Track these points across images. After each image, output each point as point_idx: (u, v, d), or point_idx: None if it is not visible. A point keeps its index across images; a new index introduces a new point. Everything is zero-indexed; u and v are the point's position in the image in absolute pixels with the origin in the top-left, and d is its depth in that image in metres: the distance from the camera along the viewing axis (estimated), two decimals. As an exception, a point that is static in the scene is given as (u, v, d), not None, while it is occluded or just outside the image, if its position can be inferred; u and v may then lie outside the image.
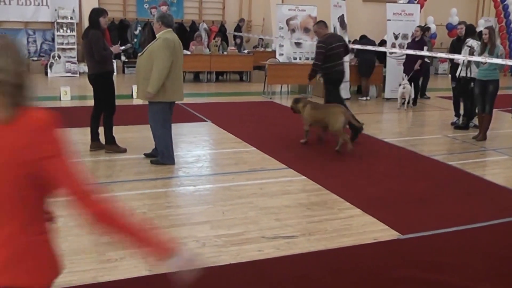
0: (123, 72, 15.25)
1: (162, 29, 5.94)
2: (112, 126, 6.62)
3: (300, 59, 13.30)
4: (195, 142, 7.51)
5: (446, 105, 11.32)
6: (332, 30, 12.09)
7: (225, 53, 15.02)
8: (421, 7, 14.48)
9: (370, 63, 12.44)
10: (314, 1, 14.28)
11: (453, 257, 4.04)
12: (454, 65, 9.50)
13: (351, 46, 12.86)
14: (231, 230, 4.38)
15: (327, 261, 3.92)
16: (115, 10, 15.69)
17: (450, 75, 10.63)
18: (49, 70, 14.34)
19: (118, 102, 6.93)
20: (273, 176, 5.96)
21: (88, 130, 6.73)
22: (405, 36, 12.49)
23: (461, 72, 8.87)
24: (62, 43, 14.66)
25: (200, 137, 7.87)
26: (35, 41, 15.20)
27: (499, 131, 9.02)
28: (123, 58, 15.18)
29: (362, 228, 4.54)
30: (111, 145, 6.63)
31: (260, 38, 16.98)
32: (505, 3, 18.72)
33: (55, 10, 14.75)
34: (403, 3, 14.46)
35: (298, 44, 13.50)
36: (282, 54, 13.64)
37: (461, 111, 9.30)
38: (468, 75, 8.67)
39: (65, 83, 12.26)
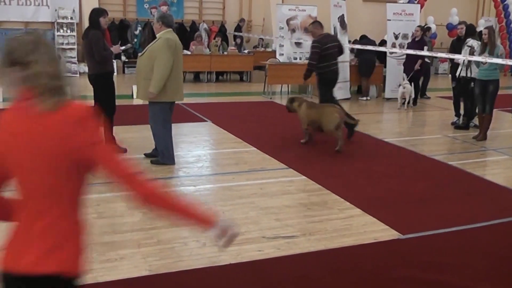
0: (123, 72, 15.26)
1: (163, 29, 5.94)
2: (112, 126, 6.63)
3: (300, 59, 13.29)
4: (195, 142, 7.51)
5: (446, 105, 11.32)
6: (332, 30, 12.11)
7: (225, 53, 15.02)
8: (421, 7, 14.48)
9: (370, 63, 12.44)
10: (314, 1, 14.28)
11: (453, 257, 4.04)
12: (454, 65, 9.50)
13: (351, 46, 12.91)
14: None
15: (327, 261, 3.92)
16: (115, 10, 15.68)
17: (450, 75, 10.63)
18: (49, 70, 14.33)
19: (118, 102, 6.93)
20: (273, 176, 5.96)
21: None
22: (405, 36, 12.49)
23: (461, 72, 8.87)
24: (62, 43, 14.65)
25: (200, 137, 7.87)
26: (35, 41, 15.19)
27: (499, 131, 9.02)
28: (123, 58, 15.18)
29: (362, 228, 4.54)
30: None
31: (260, 38, 16.98)
32: (505, 3, 18.71)
33: (55, 10, 14.75)
34: (403, 3, 14.46)
35: (298, 44, 13.50)
36: (282, 54, 13.63)
37: (461, 111, 9.30)
38: (468, 75, 8.67)
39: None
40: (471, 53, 8.51)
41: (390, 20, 12.65)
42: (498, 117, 9.95)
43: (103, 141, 1.81)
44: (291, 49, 13.51)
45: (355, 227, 4.57)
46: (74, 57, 14.61)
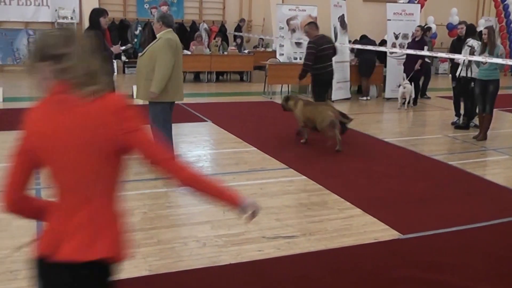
0: (124, 72, 15.27)
1: (163, 29, 5.93)
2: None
3: (300, 59, 13.26)
4: (196, 142, 7.51)
5: (447, 105, 11.32)
6: (332, 30, 12.12)
7: (225, 53, 15.02)
8: (422, 7, 14.48)
9: (371, 63, 12.45)
10: (314, 1, 14.28)
11: (453, 257, 4.04)
12: (454, 65, 9.50)
13: (351, 46, 12.92)
14: (231, 230, 4.38)
15: (327, 261, 3.93)
16: (116, 10, 15.69)
17: (450, 75, 10.63)
18: (49, 70, 14.35)
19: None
20: (274, 176, 5.96)
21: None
22: (405, 36, 12.49)
23: (461, 72, 8.87)
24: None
25: (201, 137, 7.87)
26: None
27: (499, 131, 9.02)
28: (123, 58, 15.18)
29: (362, 228, 4.54)
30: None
31: (261, 38, 16.97)
32: (505, 3, 18.71)
33: (56, 10, 14.76)
34: (403, 3, 14.46)
35: (298, 44, 13.50)
36: (283, 54, 13.63)
37: (462, 111, 9.30)
38: (469, 75, 8.67)
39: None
40: (472, 53, 8.51)
41: (390, 20, 12.65)
42: (498, 117, 9.95)
43: (140, 128, 1.88)
44: (291, 49, 13.51)
45: (355, 227, 4.57)
46: (74, 57, 14.61)
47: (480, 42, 8.30)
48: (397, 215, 4.86)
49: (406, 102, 11.18)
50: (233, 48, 15.67)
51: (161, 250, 3.96)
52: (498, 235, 4.52)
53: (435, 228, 4.55)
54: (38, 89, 1.89)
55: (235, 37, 16.76)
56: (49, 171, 1.89)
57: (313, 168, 6.31)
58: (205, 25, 16.84)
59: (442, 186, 5.80)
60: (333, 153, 7.02)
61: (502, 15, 18.97)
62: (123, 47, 7.70)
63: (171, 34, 5.94)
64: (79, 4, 15.08)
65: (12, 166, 1.92)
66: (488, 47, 8.01)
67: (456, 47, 9.50)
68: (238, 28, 16.87)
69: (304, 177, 5.92)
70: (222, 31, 16.70)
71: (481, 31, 8.46)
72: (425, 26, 13.56)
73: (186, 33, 15.84)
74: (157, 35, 6.00)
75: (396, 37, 12.61)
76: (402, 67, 11.66)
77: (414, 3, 14.48)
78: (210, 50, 14.71)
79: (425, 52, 10.77)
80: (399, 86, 11.34)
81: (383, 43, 13.50)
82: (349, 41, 13.39)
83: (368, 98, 12.44)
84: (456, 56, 9.01)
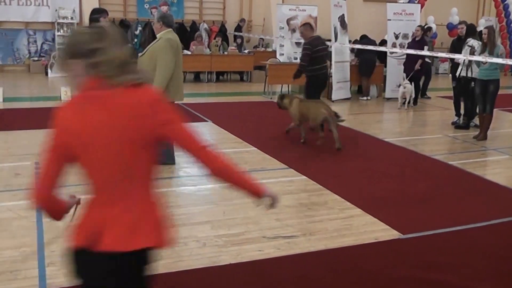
0: (124, 72, 15.24)
1: (163, 29, 5.93)
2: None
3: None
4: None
5: (447, 105, 11.31)
6: (332, 30, 12.12)
7: (225, 53, 15.02)
8: (422, 7, 14.48)
9: (371, 63, 12.44)
10: (314, 1, 14.29)
11: (453, 257, 4.04)
12: (454, 65, 9.50)
13: (351, 46, 12.92)
14: (231, 230, 4.38)
15: (328, 261, 3.92)
16: (116, 10, 15.68)
17: (450, 75, 10.63)
18: (49, 71, 14.34)
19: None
20: (274, 176, 5.96)
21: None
22: (405, 36, 12.49)
23: (461, 71, 8.87)
24: (63, 43, 14.65)
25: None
26: (35, 41, 15.21)
27: (499, 131, 9.02)
28: (123, 58, 15.17)
29: (362, 228, 4.54)
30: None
31: (261, 38, 16.97)
32: (505, 2, 18.70)
33: (56, 10, 14.76)
34: (403, 3, 14.45)
35: (298, 44, 13.46)
36: (283, 54, 13.63)
37: (462, 111, 9.30)
38: (469, 75, 8.67)
39: (65, 83, 12.24)
40: (472, 53, 8.50)
41: (390, 20, 12.65)
42: (499, 116, 9.95)
43: (179, 120, 1.94)
44: (292, 49, 13.51)
45: (355, 227, 4.57)
46: (75, 57, 14.61)
47: (480, 42, 8.30)
48: (397, 215, 4.86)
49: (406, 102, 11.18)
50: (233, 48, 15.66)
51: (161, 250, 3.96)
52: (498, 235, 4.52)
53: (435, 228, 4.55)
54: (71, 86, 1.92)
55: (235, 37, 16.75)
56: (84, 166, 1.92)
57: (313, 168, 6.31)
58: (205, 25, 16.83)
59: (442, 186, 5.80)
60: (333, 153, 7.02)
61: (502, 15, 18.96)
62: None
63: (171, 34, 5.94)
64: (79, 4, 15.08)
65: (44, 163, 1.94)
66: (488, 47, 8.01)
67: (456, 47, 9.49)
68: (238, 28, 16.87)
69: (304, 177, 5.92)
70: (222, 31, 16.69)
71: (481, 31, 8.46)
72: (426, 26, 13.56)
73: (186, 33, 15.82)
74: (157, 35, 6.00)
75: (396, 37, 12.61)
76: (402, 67, 11.66)
77: (414, 3, 14.48)
78: (210, 50, 14.71)
79: (425, 52, 10.77)
80: (399, 86, 11.34)
81: (383, 43, 13.50)
82: (349, 41, 13.39)
83: (368, 98, 12.44)
84: (456, 56, 9.00)
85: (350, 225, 4.60)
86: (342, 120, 7.81)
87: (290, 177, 5.95)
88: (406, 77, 11.09)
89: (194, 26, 16.62)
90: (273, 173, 6.05)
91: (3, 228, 4.27)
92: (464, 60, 8.68)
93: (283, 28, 13.59)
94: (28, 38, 15.12)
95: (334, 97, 11.81)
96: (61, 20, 14.68)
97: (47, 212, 2.03)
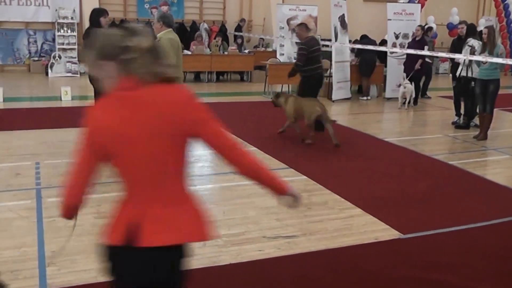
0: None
1: (163, 29, 5.93)
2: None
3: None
4: (196, 142, 7.50)
5: (447, 105, 11.31)
6: (332, 30, 12.12)
7: (225, 53, 15.01)
8: (422, 7, 14.48)
9: (371, 63, 12.44)
10: (314, 0, 14.28)
11: (453, 257, 4.04)
12: (454, 65, 9.49)
13: (351, 45, 12.92)
14: (231, 230, 4.38)
15: (328, 261, 3.92)
16: (116, 10, 15.68)
17: (450, 75, 10.63)
18: (49, 70, 14.35)
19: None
20: (274, 176, 5.95)
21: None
22: (405, 36, 12.49)
23: (461, 71, 8.87)
24: (63, 43, 14.66)
25: (201, 137, 7.86)
26: (35, 41, 15.21)
27: (500, 131, 9.01)
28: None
29: (362, 228, 4.54)
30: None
31: (261, 38, 16.97)
32: (505, 2, 18.70)
33: (56, 10, 14.76)
34: (403, 2, 14.46)
35: (299, 44, 13.49)
36: (283, 54, 13.63)
37: (462, 111, 9.29)
38: (469, 74, 8.67)
39: (65, 83, 12.26)
40: (472, 52, 8.50)
41: (390, 19, 12.64)
42: (499, 116, 9.94)
43: (211, 119, 2.00)
44: (292, 49, 13.49)
45: (355, 226, 4.57)
46: (75, 57, 14.62)
47: (480, 42, 8.29)
48: (397, 215, 4.86)
49: (407, 102, 11.18)
50: (234, 48, 15.66)
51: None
52: (498, 235, 4.52)
53: (436, 228, 4.55)
54: (102, 86, 1.93)
55: (235, 37, 16.75)
56: (117, 165, 1.95)
57: (313, 167, 6.31)
58: (206, 25, 16.83)
59: (442, 186, 5.80)
60: (333, 153, 7.02)
61: (503, 15, 18.96)
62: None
63: (171, 34, 5.94)
64: (79, 4, 15.08)
65: (76, 161, 1.96)
66: (488, 47, 8.01)
67: (457, 47, 9.49)
68: (239, 28, 16.87)
69: (305, 177, 5.92)
70: (222, 31, 16.69)
71: (481, 31, 8.46)
72: (427, 26, 13.55)
73: (187, 33, 15.82)
74: (158, 35, 5.99)
75: (397, 37, 12.60)
76: (403, 67, 11.65)
77: (414, 2, 14.48)
78: (210, 50, 14.71)
79: (425, 52, 10.76)
80: (400, 85, 11.34)
81: (383, 42, 13.49)
82: (350, 41, 13.39)
83: (369, 98, 12.44)
84: (456, 56, 9.00)
85: (350, 225, 4.60)
86: (333, 121, 7.82)
87: (290, 177, 5.94)
88: (406, 77, 11.09)
89: (194, 26, 16.62)
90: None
91: (3, 228, 4.27)
92: (465, 60, 8.68)
93: (283, 28, 13.58)
94: (28, 38, 15.12)
95: (334, 97, 11.80)
96: (61, 20, 14.67)
97: (70, 210, 2.04)
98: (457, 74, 9.06)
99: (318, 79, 8.28)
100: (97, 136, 1.91)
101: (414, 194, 5.48)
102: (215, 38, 15.33)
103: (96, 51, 1.90)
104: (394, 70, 12.32)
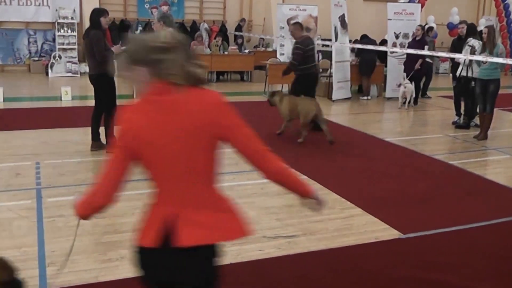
0: (124, 72, 15.24)
1: (163, 29, 5.94)
2: (113, 126, 6.63)
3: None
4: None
5: (447, 105, 11.31)
6: (333, 30, 12.12)
7: (226, 53, 15.01)
8: (422, 7, 14.47)
9: (371, 63, 12.44)
10: (315, 0, 14.28)
11: (453, 257, 4.04)
12: (455, 65, 9.49)
13: (351, 45, 12.91)
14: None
15: (328, 260, 3.93)
16: (116, 10, 15.68)
17: (451, 75, 10.63)
18: (50, 70, 14.36)
19: (118, 102, 6.92)
20: (274, 176, 5.95)
21: (89, 130, 6.73)
22: (406, 36, 12.48)
23: (462, 71, 8.86)
24: (63, 43, 14.67)
25: (201, 137, 7.86)
26: (36, 41, 15.21)
27: (500, 131, 9.01)
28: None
29: (363, 228, 4.54)
30: (112, 145, 6.63)
31: (261, 38, 16.97)
32: (505, 2, 18.69)
33: (56, 10, 14.76)
34: (404, 2, 14.45)
35: (299, 44, 13.48)
36: (283, 54, 13.62)
37: (462, 111, 9.29)
38: (469, 74, 8.66)
39: (66, 83, 12.27)
40: (472, 52, 8.50)
41: (390, 19, 12.64)
42: (499, 116, 9.94)
43: (239, 123, 2.05)
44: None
45: (355, 226, 4.57)
46: (75, 57, 14.63)
47: (481, 42, 8.29)
48: (397, 215, 4.86)
49: (407, 102, 11.18)
50: (234, 48, 15.66)
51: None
52: (498, 235, 4.52)
53: (436, 228, 4.55)
54: (135, 90, 1.96)
55: (235, 37, 16.75)
56: (149, 167, 1.98)
57: (313, 167, 6.30)
58: (206, 25, 16.83)
59: (442, 186, 5.80)
60: (334, 153, 7.02)
61: (503, 15, 18.95)
62: (124, 47, 7.69)
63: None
64: (80, 4, 15.09)
65: (109, 163, 1.99)
66: (488, 47, 8.01)
67: (457, 47, 9.48)
68: (239, 28, 16.87)
69: (305, 176, 5.90)
70: (222, 31, 16.70)
71: (481, 31, 8.46)
72: (427, 26, 13.55)
73: (187, 33, 15.82)
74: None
75: (397, 37, 12.60)
76: (403, 67, 11.65)
77: (414, 2, 14.48)
78: (210, 50, 14.71)
79: (425, 52, 10.76)
80: (400, 85, 11.33)
81: (383, 42, 13.49)
82: (350, 41, 13.38)
83: (369, 97, 12.44)
84: (456, 56, 9.00)
85: (351, 225, 4.60)
86: (328, 121, 7.95)
87: (290, 177, 5.94)
88: (407, 77, 11.09)
89: (195, 26, 16.63)
90: (273, 173, 6.04)
91: (3, 228, 4.27)
92: (465, 59, 8.67)
93: (283, 28, 13.57)
94: (28, 38, 15.12)
95: (334, 97, 11.80)
96: (61, 20, 14.68)
97: (95, 210, 2.04)
98: (457, 74, 9.05)
99: (313, 78, 8.33)
100: (130, 138, 1.94)
101: (414, 194, 5.48)
102: (215, 38, 15.33)
103: (129, 56, 1.92)
104: (394, 70, 12.32)
